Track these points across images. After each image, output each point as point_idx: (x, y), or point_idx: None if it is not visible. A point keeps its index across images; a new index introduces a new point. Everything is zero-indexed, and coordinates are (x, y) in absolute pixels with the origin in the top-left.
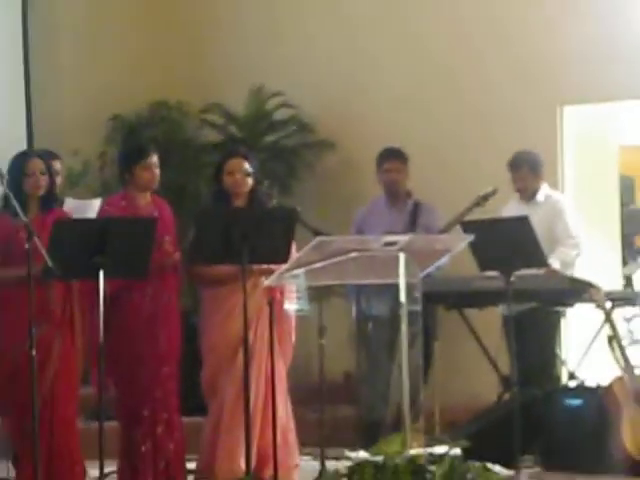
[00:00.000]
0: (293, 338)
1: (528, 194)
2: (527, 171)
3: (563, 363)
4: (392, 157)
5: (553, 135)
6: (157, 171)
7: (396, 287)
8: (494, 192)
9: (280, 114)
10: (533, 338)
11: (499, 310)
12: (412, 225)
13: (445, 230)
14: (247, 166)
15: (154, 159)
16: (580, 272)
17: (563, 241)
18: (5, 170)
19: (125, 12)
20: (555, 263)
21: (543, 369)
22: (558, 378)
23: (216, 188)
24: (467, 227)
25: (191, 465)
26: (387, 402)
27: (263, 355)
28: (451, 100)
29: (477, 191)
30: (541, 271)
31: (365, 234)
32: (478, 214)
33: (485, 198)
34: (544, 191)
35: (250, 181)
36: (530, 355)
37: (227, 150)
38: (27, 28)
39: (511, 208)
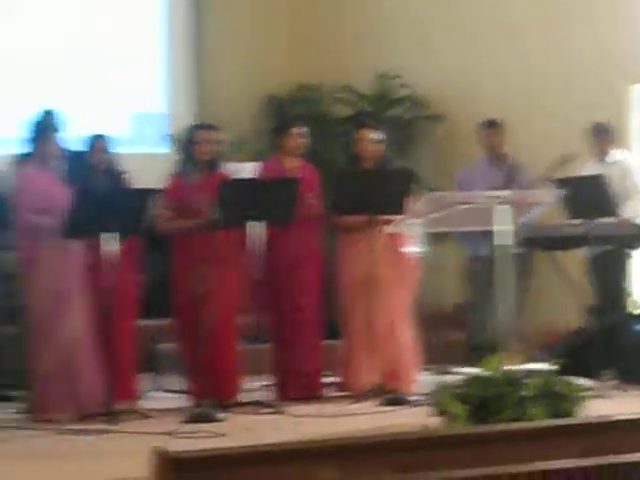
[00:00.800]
0: (415, 275)
1: (603, 156)
2: (603, 137)
3: (630, 295)
4: (492, 126)
5: (624, 108)
6: (302, 140)
7: (498, 233)
8: (574, 155)
9: (399, 93)
10: (608, 274)
11: (582, 252)
12: (508, 181)
13: (535, 185)
14: (375, 135)
15: (300, 130)
16: None
17: (632, 196)
18: (180, 140)
19: (279, 6)
20: (626, 213)
21: (615, 300)
22: (625, 307)
23: (349, 153)
24: (557, 183)
25: (329, 379)
26: (492, 327)
27: (390, 289)
28: (540, 79)
29: (562, 153)
30: (615, 220)
31: (469, 188)
32: (565, 173)
33: (566, 160)
34: (616, 154)
35: (377, 147)
36: (606, 288)
37: (359, 122)
38: (200, 26)
39: (589, 168)
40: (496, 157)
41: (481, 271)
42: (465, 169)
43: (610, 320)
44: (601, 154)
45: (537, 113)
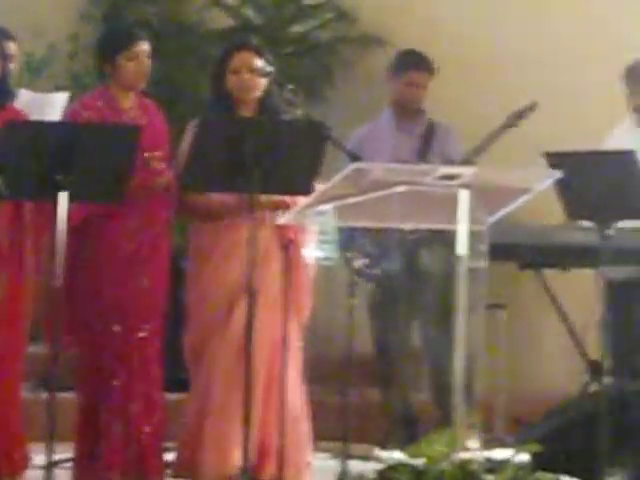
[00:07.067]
0: (311, 291)
1: None
2: None
3: None
4: (421, 67)
5: None
6: (147, 63)
7: (454, 235)
8: (532, 107)
9: None
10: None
11: (591, 273)
12: (424, 152)
13: (469, 159)
14: (260, 63)
15: (144, 47)
16: None
17: None
18: None
19: None
20: None
21: None
22: None
23: (216, 91)
24: (554, 160)
25: (169, 457)
26: (437, 387)
27: (268, 313)
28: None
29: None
30: None
31: (367, 158)
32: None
33: (520, 116)
34: None
35: (263, 83)
36: (629, 336)
37: (234, 41)
38: None
39: (620, 137)
40: (408, 114)
41: (392, 297)
42: (361, 130)
43: (632, 388)
44: None
45: (531, 51)
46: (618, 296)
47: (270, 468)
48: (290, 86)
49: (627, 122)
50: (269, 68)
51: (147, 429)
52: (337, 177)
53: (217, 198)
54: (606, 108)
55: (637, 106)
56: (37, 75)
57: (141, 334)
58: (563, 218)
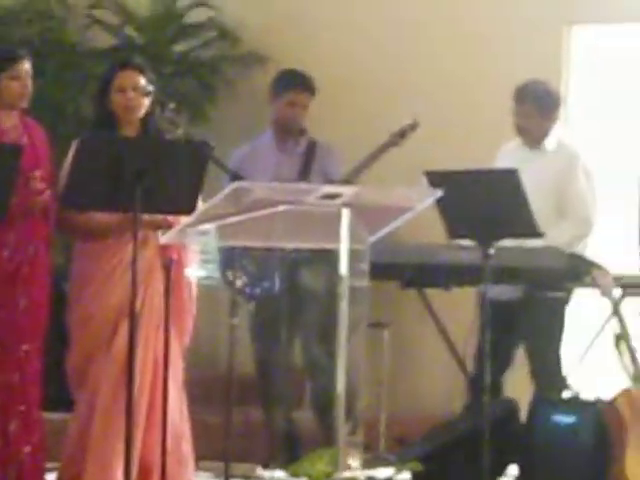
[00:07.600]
0: (194, 310)
1: (533, 137)
2: (538, 108)
3: (556, 364)
4: (304, 88)
5: (556, 60)
6: (29, 82)
7: (335, 254)
8: (413, 126)
9: (195, 15)
10: (530, 332)
11: (473, 292)
12: (305, 171)
13: (349, 178)
14: (143, 82)
15: (26, 66)
16: (586, 249)
17: (573, 212)
18: None
19: None
20: (555, 236)
21: (543, 374)
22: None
23: (99, 110)
24: (435, 179)
25: (51, 478)
26: (319, 406)
27: (151, 333)
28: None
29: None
30: (536, 243)
31: (248, 177)
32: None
33: (401, 135)
34: (556, 138)
35: (146, 102)
36: (505, 352)
37: (117, 60)
38: None
39: (507, 157)
40: (289, 133)
41: (273, 316)
42: (241, 150)
43: (509, 405)
44: (528, 133)
45: (390, 65)
46: (498, 315)
47: None
48: (172, 105)
49: (514, 142)
50: (150, 87)
51: (27, 449)
52: (218, 196)
53: (99, 217)
54: (490, 128)
55: (518, 127)
56: None
57: (20, 354)
58: (445, 237)
